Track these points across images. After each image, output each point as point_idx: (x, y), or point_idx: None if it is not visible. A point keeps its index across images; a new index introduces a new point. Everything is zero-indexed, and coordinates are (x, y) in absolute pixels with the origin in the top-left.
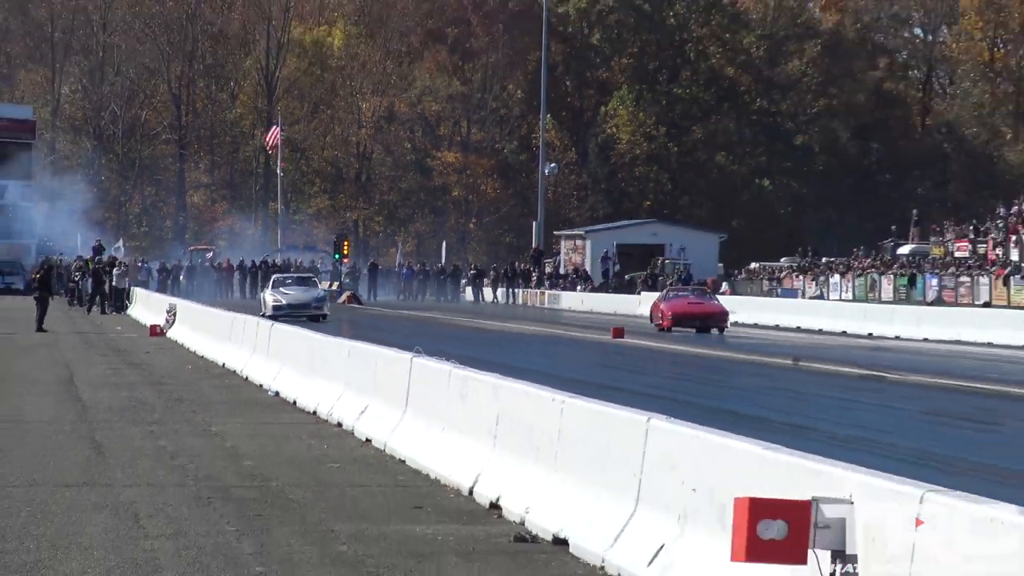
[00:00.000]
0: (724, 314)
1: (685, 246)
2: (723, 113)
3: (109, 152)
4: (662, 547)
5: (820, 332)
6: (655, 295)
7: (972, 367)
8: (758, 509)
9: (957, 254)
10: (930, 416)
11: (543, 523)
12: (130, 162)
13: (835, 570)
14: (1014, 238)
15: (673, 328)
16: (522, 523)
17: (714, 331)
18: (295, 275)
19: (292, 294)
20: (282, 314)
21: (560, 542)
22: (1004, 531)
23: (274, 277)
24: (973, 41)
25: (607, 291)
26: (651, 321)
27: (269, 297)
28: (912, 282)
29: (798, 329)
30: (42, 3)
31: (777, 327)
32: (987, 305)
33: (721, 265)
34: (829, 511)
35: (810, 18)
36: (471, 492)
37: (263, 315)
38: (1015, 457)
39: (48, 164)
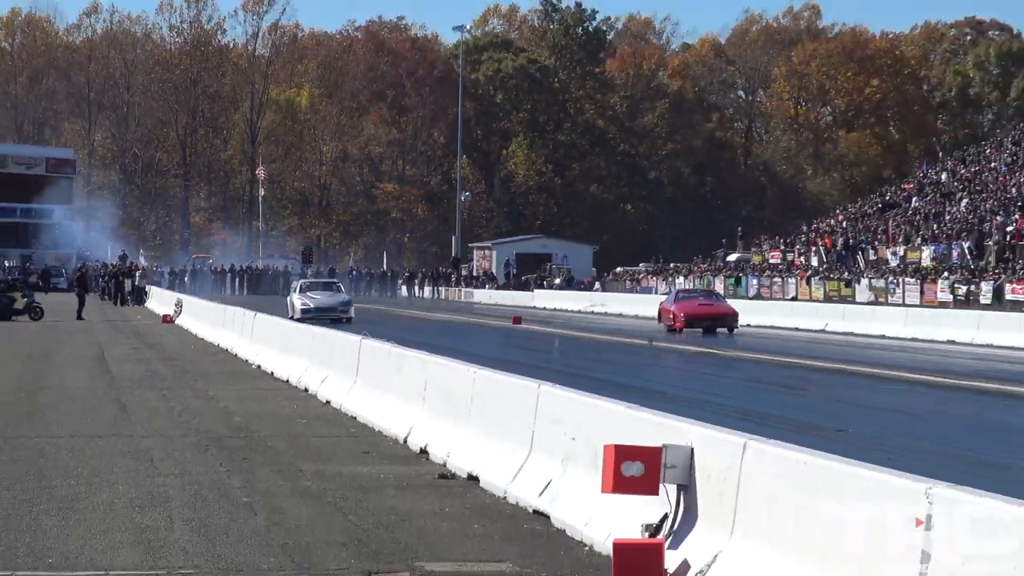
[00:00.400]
0: (735, 315)
1: (567, 255)
2: (595, 154)
3: (131, 183)
4: (550, 482)
5: None
6: (548, 292)
7: (781, 346)
8: (622, 453)
9: (771, 261)
10: (750, 383)
11: (460, 464)
12: (147, 191)
13: (679, 499)
14: (814, 248)
15: (684, 329)
16: (444, 465)
17: (722, 331)
18: (321, 280)
19: (319, 298)
20: (309, 317)
21: (473, 479)
22: (791, 463)
23: (300, 282)
24: (782, 101)
25: (508, 289)
26: (659, 322)
27: (297, 301)
28: (738, 282)
29: (651, 319)
30: (81, 72)
31: (637, 316)
32: (794, 299)
33: (594, 269)
34: (675, 454)
35: (660, 83)
36: (405, 441)
37: (291, 317)
38: (812, 413)
39: (85, 192)
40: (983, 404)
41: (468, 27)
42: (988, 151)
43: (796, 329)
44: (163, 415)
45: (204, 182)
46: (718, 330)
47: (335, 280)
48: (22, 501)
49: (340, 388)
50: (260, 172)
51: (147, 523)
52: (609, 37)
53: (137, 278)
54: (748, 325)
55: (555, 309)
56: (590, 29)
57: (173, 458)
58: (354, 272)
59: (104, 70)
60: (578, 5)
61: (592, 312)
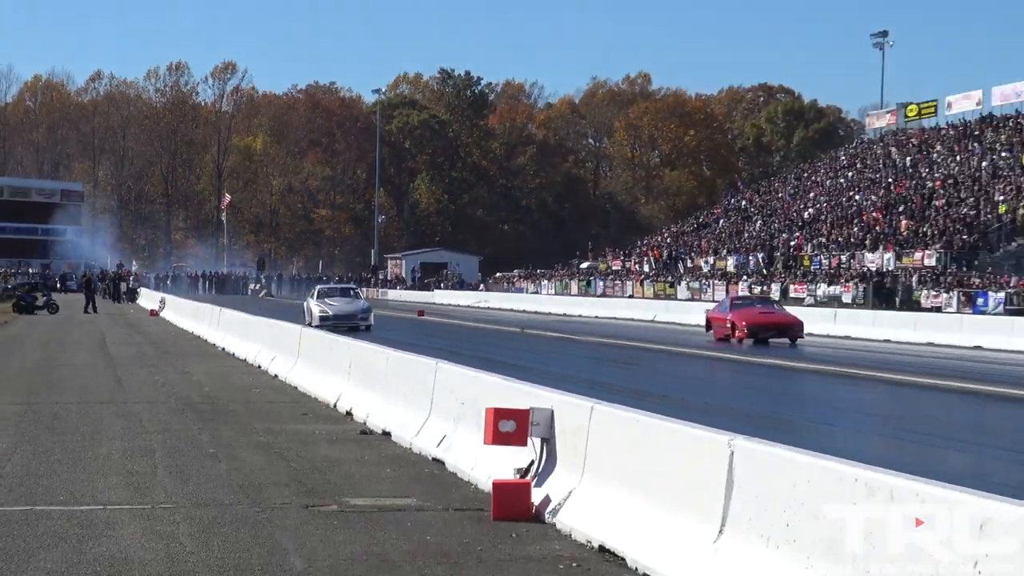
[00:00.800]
0: (800, 325)
1: (459, 263)
2: (480, 187)
3: (126, 209)
4: (445, 436)
5: (538, 313)
6: (445, 291)
7: (620, 332)
8: (499, 414)
9: (613, 267)
10: (595, 360)
11: (377, 423)
12: (138, 215)
13: (543, 449)
14: (645, 258)
15: (745, 340)
16: (365, 424)
17: (781, 341)
18: (338, 286)
19: (337, 305)
20: (328, 325)
21: (386, 434)
22: (625, 421)
23: (318, 288)
24: (622, 147)
25: (414, 289)
26: (708, 330)
27: (315, 308)
28: (588, 284)
29: (524, 311)
30: (87, 124)
31: (512, 310)
32: (630, 297)
33: (479, 274)
34: (539, 415)
35: (529, 132)
36: (335, 406)
37: (308, 324)
38: (643, 382)
39: (90, 216)
40: (770, 375)
41: (383, 90)
42: (776, 184)
43: (631, 319)
44: (149, 386)
45: (182, 208)
46: (765, 340)
47: (352, 286)
48: (40, 452)
49: (285, 365)
50: (224, 201)
51: (136, 469)
52: (490, 97)
53: (130, 281)
54: (597, 317)
55: (450, 304)
56: (476, 91)
57: (157, 419)
58: (297, 277)
59: (105, 122)
60: (467, 73)
61: (478, 306)
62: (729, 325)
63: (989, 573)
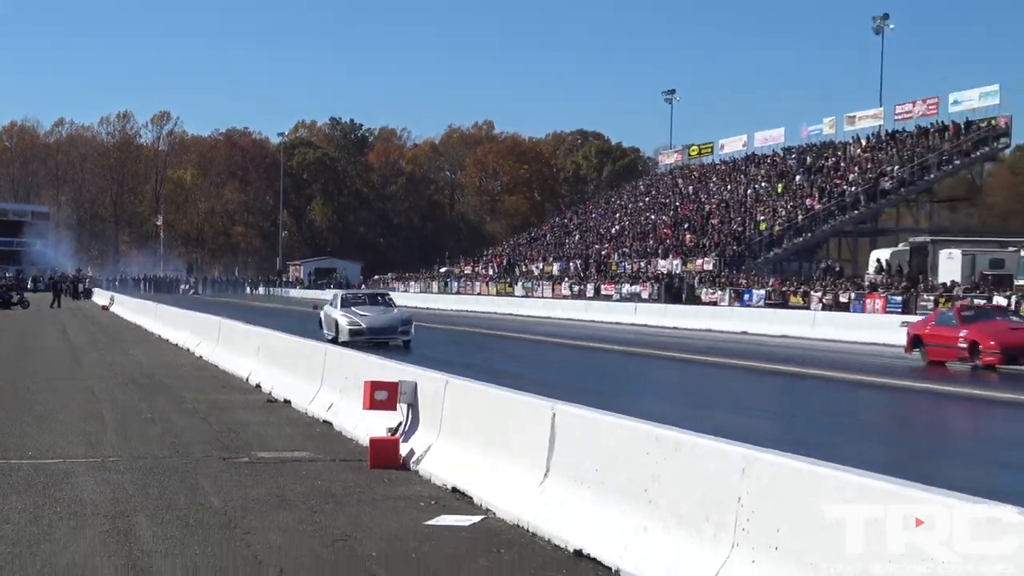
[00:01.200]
0: None
1: (345, 268)
2: (362, 210)
3: (83, 226)
4: (333, 403)
5: (405, 305)
6: (346, 290)
7: (472, 321)
8: (375, 386)
9: (466, 271)
10: (453, 341)
11: (279, 393)
12: (93, 231)
13: (409, 413)
14: (491, 265)
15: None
16: (270, 394)
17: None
18: (366, 292)
19: (371, 316)
20: (361, 340)
21: (287, 402)
22: (470, 391)
23: (340, 294)
24: (472, 178)
25: (311, 288)
26: (913, 350)
27: (342, 319)
28: (446, 284)
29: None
30: (53, 159)
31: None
32: (479, 295)
33: (361, 276)
34: (406, 387)
35: (400, 167)
36: (247, 380)
37: (332, 339)
38: (499, 361)
39: (55, 231)
40: (592, 355)
41: (286, 133)
42: (590, 207)
43: (481, 312)
44: (101, 365)
45: (127, 225)
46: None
47: (383, 292)
48: (13, 418)
49: (208, 349)
50: (160, 220)
51: (90, 430)
52: (370, 139)
53: (86, 283)
54: (452, 310)
55: None
56: (358, 135)
57: (106, 391)
58: (220, 279)
59: (67, 158)
60: (351, 120)
61: None
62: (970, 345)
63: (602, 454)
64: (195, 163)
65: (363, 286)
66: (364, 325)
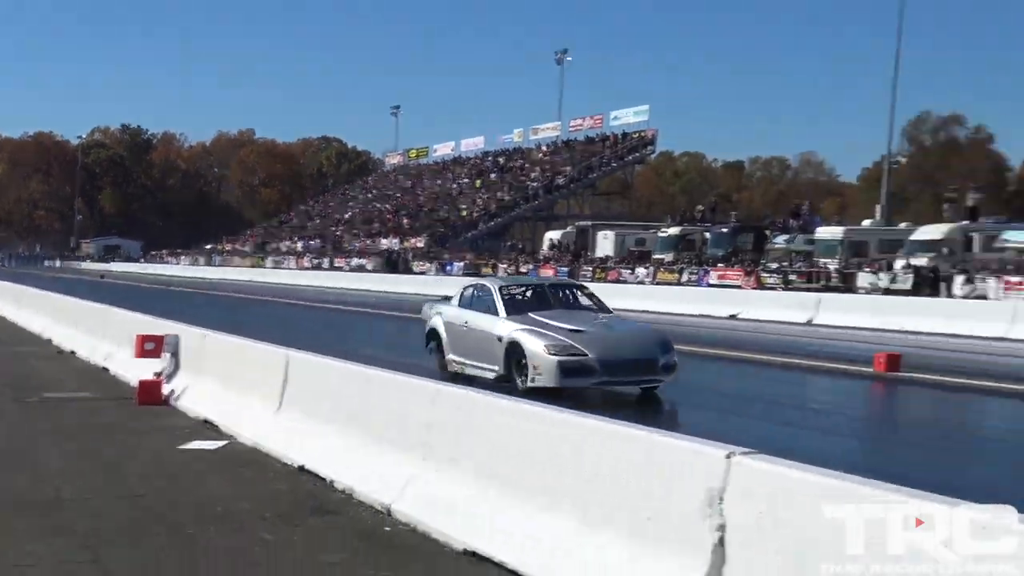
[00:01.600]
0: None
1: (129, 246)
2: (144, 199)
3: None
4: (110, 353)
5: (174, 276)
6: (120, 263)
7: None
8: (144, 338)
9: (227, 249)
10: (216, 304)
11: (68, 346)
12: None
13: (172, 360)
14: (248, 243)
15: None
16: (60, 347)
17: None
18: (547, 281)
19: (593, 333)
20: (590, 384)
21: (73, 353)
22: (225, 343)
23: (498, 284)
24: (236, 174)
25: (100, 262)
26: None
27: (534, 344)
28: (211, 259)
29: (170, 276)
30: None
31: (155, 274)
32: (238, 267)
33: (142, 253)
34: (170, 339)
35: (178, 164)
36: (41, 336)
37: (503, 376)
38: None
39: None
40: (323, 313)
41: (84, 136)
42: (329, 198)
43: (239, 280)
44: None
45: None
46: None
47: (572, 282)
48: None
49: (11, 311)
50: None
51: None
52: (153, 142)
53: None
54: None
55: (124, 272)
56: (144, 138)
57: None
58: (23, 254)
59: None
60: (138, 126)
61: (141, 272)
62: None
63: (457, 418)
64: (7, 160)
65: (141, 259)
66: (592, 355)
